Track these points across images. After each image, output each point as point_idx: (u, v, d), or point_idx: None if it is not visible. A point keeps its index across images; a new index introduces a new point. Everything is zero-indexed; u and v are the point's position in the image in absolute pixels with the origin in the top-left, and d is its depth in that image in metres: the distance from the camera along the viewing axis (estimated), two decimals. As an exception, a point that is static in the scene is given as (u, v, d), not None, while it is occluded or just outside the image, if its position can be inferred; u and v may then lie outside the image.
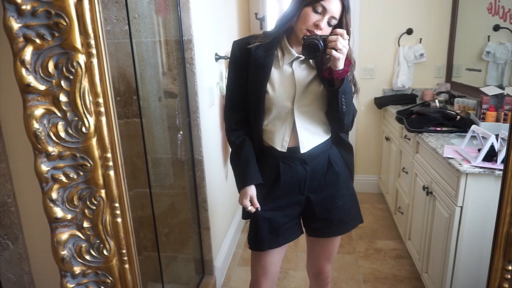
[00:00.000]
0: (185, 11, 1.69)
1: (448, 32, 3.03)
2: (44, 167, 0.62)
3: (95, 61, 0.58)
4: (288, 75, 1.23)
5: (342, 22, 1.16)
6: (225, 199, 2.44)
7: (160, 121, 1.90)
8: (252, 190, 1.29)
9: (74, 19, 0.56)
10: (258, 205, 1.29)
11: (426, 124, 2.10)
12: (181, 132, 1.94)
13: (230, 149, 1.36)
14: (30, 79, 0.57)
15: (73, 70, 0.58)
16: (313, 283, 1.58)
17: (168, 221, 1.98)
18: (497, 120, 1.96)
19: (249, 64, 1.22)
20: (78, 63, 0.57)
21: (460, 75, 2.97)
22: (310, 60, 1.23)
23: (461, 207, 1.55)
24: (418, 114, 2.24)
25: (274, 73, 1.22)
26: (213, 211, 2.11)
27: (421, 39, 3.06)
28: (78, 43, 0.57)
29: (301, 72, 1.23)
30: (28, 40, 0.56)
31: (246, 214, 1.37)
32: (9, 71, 0.64)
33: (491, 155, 1.50)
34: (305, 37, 1.12)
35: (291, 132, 1.25)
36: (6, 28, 0.55)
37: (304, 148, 1.26)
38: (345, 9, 1.15)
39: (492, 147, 1.49)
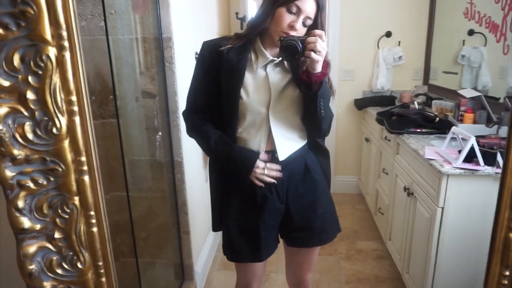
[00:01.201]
0: (165, 8, 1.63)
1: (425, 35, 3.09)
2: (9, 173, 0.55)
3: (67, 54, 0.52)
4: (262, 79, 1.17)
5: (317, 22, 1.13)
6: (206, 202, 2.37)
7: (137, 122, 1.83)
8: (263, 157, 1.19)
9: (43, 7, 0.50)
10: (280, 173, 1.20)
11: (406, 126, 2.12)
12: (160, 133, 1.88)
13: (198, 139, 1.26)
14: (-7, 73, 0.51)
15: (42, 65, 0.52)
16: None
17: (146, 225, 1.90)
18: (475, 122, 1.99)
19: (220, 68, 1.15)
20: (48, 56, 0.52)
21: (437, 77, 3.04)
22: (285, 63, 1.19)
23: (442, 208, 1.56)
24: (398, 115, 2.26)
25: (248, 77, 1.17)
26: (193, 214, 2.05)
27: (399, 41, 3.10)
28: (48, 34, 0.51)
29: (276, 76, 1.18)
30: (-11, 30, 0.50)
31: (216, 225, 1.33)
32: None
33: (471, 156, 1.51)
34: (282, 39, 1.08)
35: (267, 139, 1.20)
36: (-37, 15, 0.49)
37: (282, 155, 1.21)
38: (320, 8, 1.12)
39: (472, 148, 1.51)
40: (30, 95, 0.53)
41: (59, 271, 0.62)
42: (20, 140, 0.55)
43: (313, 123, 1.21)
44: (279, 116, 1.19)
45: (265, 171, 1.18)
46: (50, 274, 0.61)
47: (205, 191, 2.34)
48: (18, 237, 0.59)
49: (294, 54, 1.07)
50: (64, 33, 0.51)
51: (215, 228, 1.36)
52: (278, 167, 1.20)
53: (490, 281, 0.56)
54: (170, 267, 2.07)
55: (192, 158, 2.06)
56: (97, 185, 0.58)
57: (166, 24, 1.64)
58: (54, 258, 0.61)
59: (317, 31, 1.08)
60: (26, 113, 0.54)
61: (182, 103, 1.82)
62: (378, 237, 2.70)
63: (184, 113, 1.27)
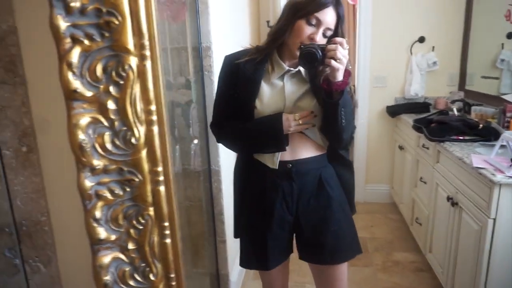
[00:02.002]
0: (204, 18, 1.65)
1: (461, 39, 3.00)
2: (88, 183, 0.55)
3: (148, 64, 0.52)
4: (278, 89, 1.18)
5: (338, 33, 1.13)
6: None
7: (174, 130, 1.84)
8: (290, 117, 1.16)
9: (127, 18, 0.50)
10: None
11: (447, 133, 2.04)
12: (196, 141, 1.88)
13: (225, 140, 1.32)
14: (77, 84, 0.51)
15: (123, 74, 0.52)
16: None
17: (183, 234, 1.90)
18: (522, 129, 1.91)
19: (237, 79, 1.18)
20: (130, 66, 0.52)
21: (473, 83, 2.94)
22: (303, 74, 1.19)
23: (494, 219, 1.48)
24: (438, 122, 2.19)
25: (264, 87, 1.18)
26: (229, 224, 2.03)
27: (433, 47, 3.02)
28: (130, 44, 0.51)
29: (292, 86, 1.18)
30: (75, 41, 0.50)
31: (236, 232, 1.36)
32: (43, 78, 0.58)
33: (525, 165, 1.44)
34: (302, 46, 1.08)
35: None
36: (52, 27, 0.49)
37: (294, 166, 1.20)
38: (340, 19, 1.12)
39: (526, 156, 1.43)
40: (110, 105, 0.53)
41: (131, 282, 0.61)
42: (99, 150, 0.55)
43: (334, 133, 1.19)
44: None
45: (297, 118, 1.15)
46: (122, 286, 0.61)
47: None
48: (94, 248, 0.58)
49: (314, 62, 1.06)
50: (147, 43, 0.51)
51: (235, 235, 1.39)
52: (306, 112, 1.16)
53: None
54: (206, 276, 2.06)
55: (229, 167, 2.05)
56: (172, 195, 0.57)
57: (205, 33, 1.65)
58: (127, 269, 0.60)
59: (338, 39, 1.07)
60: (106, 123, 0.54)
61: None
62: (415, 249, 2.61)
63: (211, 126, 1.32)
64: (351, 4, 4.04)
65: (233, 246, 2.16)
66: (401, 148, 2.95)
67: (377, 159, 3.37)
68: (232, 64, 1.20)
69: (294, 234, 1.30)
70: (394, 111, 3.07)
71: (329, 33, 1.11)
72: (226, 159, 1.95)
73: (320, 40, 1.10)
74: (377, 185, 3.43)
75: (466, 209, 1.70)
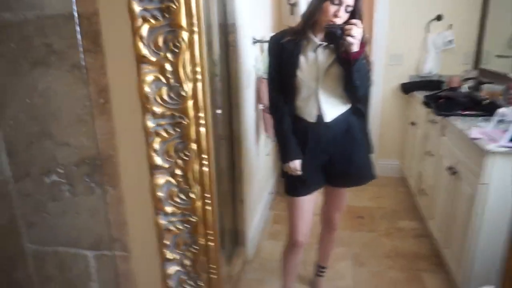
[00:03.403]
0: (230, -3, 1.81)
1: (478, 18, 3.04)
2: (150, 124, 0.76)
3: (196, 37, 0.71)
4: (312, 60, 1.49)
5: (357, 8, 1.41)
6: (257, 175, 2.59)
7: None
8: (296, 164, 1.57)
9: (182, 4, 0.69)
10: (301, 173, 1.57)
11: (454, 108, 2.18)
12: (219, 111, 2.09)
13: (273, 118, 1.64)
14: (145, 51, 0.72)
15: (178, 45, 0.72)
16: (323, 227, 1.97)
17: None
18: (525, 105, 2.02)
19: (282, 55, 1.52)
20: (182, 38, 0.71)
21: (489, 62, 3.00)
22: (331, 46, 1.46)
23: (485, 185, 1.65)
24: (446, 98, 2.32)
25: (301, 59, 1.49)
26: (247, 185, 2.26)
27: (451, 25, 3.09)
28: (184, 22, 0.70)
29: (323, 57, 1.49)
30: (145, 20, 0.70)
31: (283, 173, 1.67)
32: (116, 48, 0.79)
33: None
34: (327, 26, 1.37)
35: (317, 105, 1.52)
36: (130, 10, 0.69)
37: (327, 118, 1.54)
38: None
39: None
40: (168, 67, 0.74)
41: (177, 199, 0.83)
42: (158, 100, 0.76)
43: (351, 91, 1.49)
44: (326, 87, 1.50)
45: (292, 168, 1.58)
46: (171, 201, 0.83)
47: (257, 165, 2.56)
48: (152, 172, 0.80)
49: (335, 38, 1.36)
50: (195, 21, 0.71)
51: (282, 175, 1.71)
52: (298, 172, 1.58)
53: None
54: (225, 232, 2.31)
55: (249, 133, 2.26)
56: (210, 135, 0.78)
57: (230, 11, 1.82)
58: (175, 190, 0.83)
59: (353, 20, 1.35)
60: (164, 80, 0.75)
61: (241, 84, 2.01)
62: (419, 218, 2.79)
63: (269, 95, 1.66)
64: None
65: (250, 207, 2.39)
66: (412, 124, 3.09)
67: (389, 135, 3.51)
68: (277, 43, 1.53)
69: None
70: (408, 88, 3.18)
71: (349, 9, 1.40)
72: (246, 127, 2.16)
73: (342, 15, 1.39)
74: (388, 160, 3.58)
75: (464, 177, 1.87)
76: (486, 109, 2.09)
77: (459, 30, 3.09)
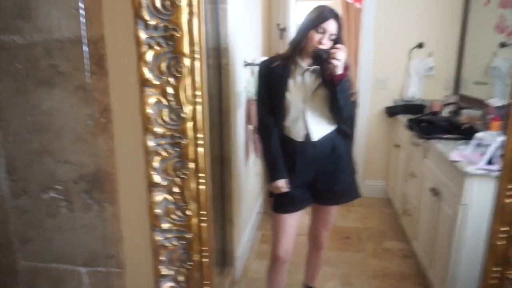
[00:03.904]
0: (223, 20, 1.89)
1: (457, 47, 3.22)
2: (151, 143, 0.81)
3: (197, 63, 0.77)
4: (300, 82, 1.60)
5: (339, 37, 1.54)
6: (246, 195, 2.62)
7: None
8: (283, 182, 1.64)
9: (185, 32, 0.75)
10: (288, 189, 1.64)
11: (435, 132, 2.28)
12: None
13: (261, 138, 1.72)
14: (149, 75, 0.77)
15: (180, 70, 0.77)
16: (311, 247, 2.00)
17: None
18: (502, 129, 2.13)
19: (271, 79, 1.63)
20: (184, 65, 0.77)
21: (467, 88, 3.15)
22: (317, 70, 1.57)
23: (465, 206, 1.72)
24: (427, 122, 2.42)
25: (290, 82, 1.60)
26: (236, 205, 2.29)
27: (431, 52, 3.25)
28: (186, 49, 0.76)
29: (310, 80, 1.60)
30: (150, 47, 0.76)
31: (271, 192, 1.73)
32: (120, 71, 0.84)
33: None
34: (314, 50, 1.50)
35: (305, 125, 1.60)
36: (136, 37, 0.75)
37: (314, 137, 1.62)
38: (340, 27, 1.53)
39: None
40: (169, 90, 0.78)
41: (173, 216, 0.86)
42: (159, 121, 0.80)
43: (336, 111, 1.59)
44: (313, 108, 1.60)
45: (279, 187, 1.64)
46: (167, 218, 0.86)
47: (245, 186, 2.59)
48: (150, 189, 0.84)
49: (321, 61, 1.48)
50: (197, 49, 0.76)
51: (270, 195, 1.77)
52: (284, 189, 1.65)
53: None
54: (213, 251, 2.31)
55: (238, 154, 2.30)
56: (208, 155, 0.82)
57: (223, 36, 1.90)
58: (171, 207, 0.86)
59: (338, 45, 1.48)
60: (165, 103, 0.79)
61: (232, 105, 2.07)
62: (404, 238, 2.84)
63: (258, 116, 1.72)
64: (358, 9, 4.27)
65: (239, 226, 2.41)
66: (396, 146, 3.19)
67: (375, 156, 3.60)
68: (267, 68, 1.64)
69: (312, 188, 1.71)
70: (392, 111, 3.30)
71: (333, 37, 1.52)
72: (236, 147, 2.20)
73: (326, 42, 1.50)
74: (374, 181, 3.66)
75: (445, 198, 1.94)
76: (465, 133, 2.20)
77: (439, 58, 3.25)
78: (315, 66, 1.56)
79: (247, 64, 2.34)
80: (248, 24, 2.48)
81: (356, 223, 3.19)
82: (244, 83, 2.39)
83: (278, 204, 1.73)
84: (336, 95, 1.52)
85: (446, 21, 3.20)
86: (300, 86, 1.60)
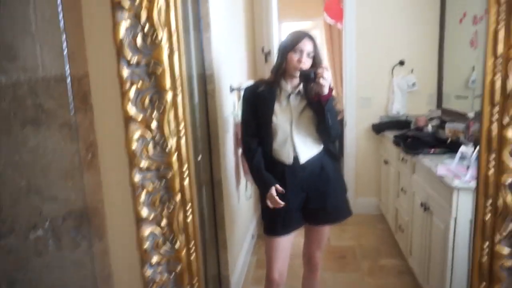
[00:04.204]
0: (207, 48, 1.93)
1: (436, 63, 3.32)
2: (137, 177, 0.81)
3: (179, 97, 0.79)
4: (285, 105, 1.64)
5: (317, 54, 1.61)
6: (239, 219, 2.61)
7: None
8: (274, 190, 1.64)
9: (166, 68, 0.77)
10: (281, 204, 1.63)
11: (421, 147, 2.32)
12: (200, 155, 2.14)
13: (246, 158, 1.76)
14: (133, 111, 0.78)
15: (163, 104, 0.79)
16: (306, 268, 1.98)
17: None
18: (484, 142, 2.18)
19: (257, 103, 1.66)
20: (167, 99, 0.79)
21: (449, 102, 3.23)
22: (302, 93, 1.63)
23: (455, 218, 1.74)
24: (413, 138, 2.47)
25: (276, 106, 1.63)
26: (229, 230, 2.27)
27: (412, 69, 3.34)
28: (168, 85, 0.78)
29: (296, 102, 1.64)
30: (133, 83, 0.78)
31: (264, 212, 1.74)
32: (104, 107, 0.85)
33: (479, 172, 1.71)
34: (301, 71, 1.55)
35: (293, 147, 1.63)
36: (119, 75, 0.77)
37: (302, 159, 1.64)
38: (315, 45, 1.61)
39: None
40: (153, 124, 0.80)
41: (162, 249, 0.86)
42: (145, 155, 0.81)
43: (324, 131, 1.63)
44: (300, 130, 1.63)
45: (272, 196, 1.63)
46: (156, 251, 0.86)
47: (238, 211, 2.58)
48: (138, 224, 0.84)
49: (309, 80, 1.54)
50: (179, 83, 0.78)
51: (263, 217, 1.80)
52: (278, 201, 1.62)
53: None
54: (209, 278, 2.27)
55: (229, 178, 2.31)
56: (193, 186, 0.83)
57: (208, 62, 1.94)
58: (160, 240, 0.86)
59: (324, 65, 1.56)
60: (150, 137, 0.81)
61: (220, 130, 2.09)
62: (399, 254, 2.83)
63: (243, 139, 1.77)
64: (340, 29, 4.39)
65: (233, 252, 2.38)
66: (385, 162, 3.22)
67: (365, 173, 3.63)
68: (253, 93, 1.69)
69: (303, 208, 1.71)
70: (378, 128, 3.36)
71: (311, 55, 1.58)
72: (227, 171, 2.21)
73: (306, 61, 1.57)
74: (366, 198, 3.67)
75: (435, 212, 1.96)
76: (450, 147, 2.24)
77: (420, 74, 3.35)
78: (300, 88, 1.61)
79: (233, 89, 2.38)
80: (233, 49, 2.54)
81: (350, 242, 3.17)
82: (231, 108, 2.42)
83: (270, 226, 1.73)
84: (325, 115, 1.56)
85: (424, 39, 3.31)
86: (286, 109, 1.64)
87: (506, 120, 0.72)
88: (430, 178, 2.04)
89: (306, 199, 1.69)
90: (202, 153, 2.12)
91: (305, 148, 1.65)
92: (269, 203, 1.65)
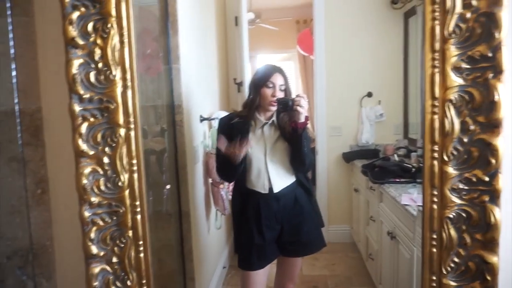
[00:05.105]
0: (177, 79, 1.96)
1: (402, 95, 3.47)
2: (87, 213, 0.79)
3: (132, 133, 0.79)
4: (259, 136, 1.68)
5: (287, 87, 1.66)
6: (209, 250, 2.55)
7: (148, 177, 2.06)
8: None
9: (120, 104, 0.78)
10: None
11: (386, 176, 2.38)
12: (168, 187, 2.11)
13: (220, 175, 1.84)
14: (84, 146, 0.78)
15: (115, 140, 0.79)
16: None
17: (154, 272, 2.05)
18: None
19: (232, 134, 1.66)
20: (119, 134, 0.79)
21: (415, 131, 3.36)
22: (276, 124, 1.68)
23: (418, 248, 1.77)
24: (379, 167, 2.53)
25: (250, 136, 1.65)
26: (197, 262, 2.22)
27: (380, 101, 3.47)
28: (121, 120, 0.78)
29: (269, 133, 1.69)
30: (84, 119, 0.77)
31: (237, 245, 1.76)
32: (56, 142, 0.84)
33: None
34: (278, 99, 1.59)
35: (268, 177, 1.65)
36: (70, 111, 0.76)
37: (276, 188, 1.66)
38: (285, 78, 1.67)
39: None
40: (105, 160, 0.79)
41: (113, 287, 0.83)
42: (96, 190, 0.80)
43: (298, 159, 1.65)
44: (274, 160, 1.67)
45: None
46: (106, 291, 0.83)
47: (207, 242, 2.53)
48: (88, 261, 0.81)
49: (287, 107, 1.58)
50: (132, 119, 0.79)
51: (236, 250, 1.80)
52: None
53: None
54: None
55: (197, 210, 2.28)
56: (146, 222, 0.82)
57: (177, 94, 1.95)
58: (111, 277, 0.83)
59: (301, 94, 1.58)
60: (101, 172, 0.80)
61: (189, 160, 2.08)
62: (370, 283, 2.83)
63: (217, 169, 1.81)
64: (311, 59, 4.54)
65: (203, 282, 2.32)
66: (356, 190, 3.27)
67: (337, 201, 3.66)
68: (227, 124, 1.72)
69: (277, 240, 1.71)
70: (348, 157, 3.43)
71: (283, 87, 1.64)
72: (195, 203, 2.18)
73: (278, 94, 1.62)
74: (338, 226, 3.69)
75: (401, 241, 1.99)
76: (415, 176, 2.31)
77: (387, 105, 3.48)
78: (274, 119, 1.66)
79: (203, 119, 2.39)
80: (204, 80, 2.58)
81: (323, 271, 3.15)
82: (201, 138, 2.42)
83: (245, 260, 1.72)
84: (301, 142, 1.59)
85: (390, 71, 3.47)
86: (260, 139, 1.68)
87: (445, 157, 0.76)
88: (395, 207, 2.08)
89: (280, 231, 1.69)
90: (171, 183, 2.10)
91: (278, 178, 1.67)
92: (233, 150, 1.60)
